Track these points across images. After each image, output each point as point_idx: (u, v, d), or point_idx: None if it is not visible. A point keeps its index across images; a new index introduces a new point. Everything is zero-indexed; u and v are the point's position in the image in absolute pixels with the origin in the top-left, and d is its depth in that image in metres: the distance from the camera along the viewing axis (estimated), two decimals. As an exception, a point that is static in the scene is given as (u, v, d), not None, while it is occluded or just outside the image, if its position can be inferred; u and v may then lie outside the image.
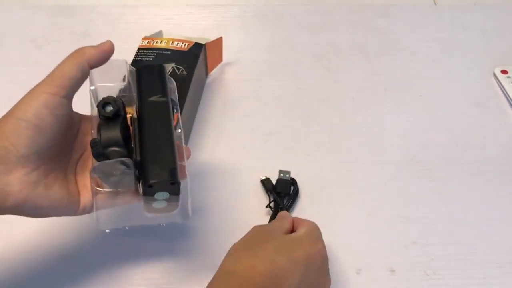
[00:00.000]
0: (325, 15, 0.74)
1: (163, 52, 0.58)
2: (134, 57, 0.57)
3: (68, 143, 0.39)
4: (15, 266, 0.45)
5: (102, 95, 0.39)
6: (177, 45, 0.59)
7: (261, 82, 0.64)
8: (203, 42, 0.59)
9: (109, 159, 0.36)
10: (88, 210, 0.38)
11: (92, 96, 0.40)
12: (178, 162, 0.37)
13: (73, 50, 0.38)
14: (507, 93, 0.62)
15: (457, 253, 0.47)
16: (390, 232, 0.49)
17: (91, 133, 0.39)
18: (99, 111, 0.38)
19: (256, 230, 0.42)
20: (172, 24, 0.71)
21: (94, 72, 0.39)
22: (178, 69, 0.56)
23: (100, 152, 0.36)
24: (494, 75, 0.65)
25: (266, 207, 0.50)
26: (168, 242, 0.47)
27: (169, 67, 0.56)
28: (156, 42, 0.59)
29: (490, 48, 0.69)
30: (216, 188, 0.52)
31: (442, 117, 0.60)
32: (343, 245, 0.48)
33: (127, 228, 0.41)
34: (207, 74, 0.64)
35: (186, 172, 0.38)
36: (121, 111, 0.38)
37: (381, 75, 0.65)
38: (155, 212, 0.38)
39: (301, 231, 0.42)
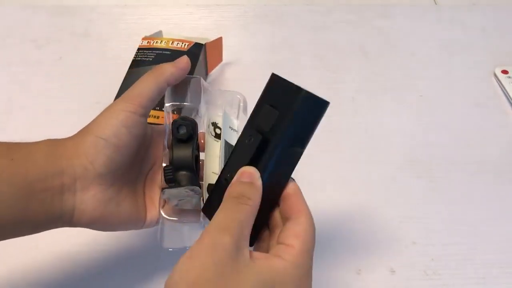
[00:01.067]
0: (325, 15, 0.74)
1: (163, 52, 0.58)
2: (134, 57, 0.57)
3: (140, 157, 0.39)
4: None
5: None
6: (177, 45, 0.59)
7: (261, 82, 0.64)
8: (203, 42, 0.59)
9: (179, 182, 0.37)
10: (153, 224, 0.39)
11: (166, 110, 0.40)
12: None
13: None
14: (507, 93, 0.62)
15: (457, 253, 0.47)
16: (390, 232, 0.49)
17: (162, 146, 0.40)
18: (172, 132, 0.38)
19: (216, 257, 0.27)
20: (172, 24, 0.71)
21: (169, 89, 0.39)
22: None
23: (173, 178, 0.37)
24: (495, 75, 0.65)
25: None
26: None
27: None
28: (156, 42, 0.59)
29: (490, 48, 0.69)
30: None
31: (442, 117, 0.60)
32: (343, 245, 0.48)
33: (187, 247, 0.40)
34: (207, 74, 0.64)
35: None
36: (194, 133, 0.38)
37: (381, 75, 0.65)
38: None
39: (287, 257, 0.30)
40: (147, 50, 0.58)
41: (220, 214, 0.30)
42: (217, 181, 0.36)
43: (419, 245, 0.48)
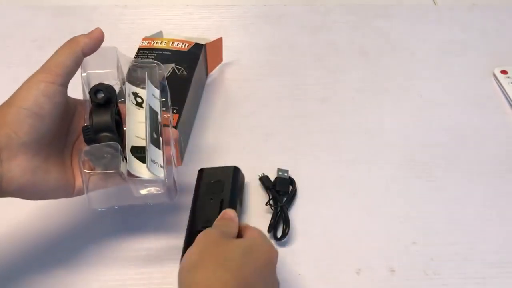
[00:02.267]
0: (325, 15, 0.74)
1: (163, 52, 0.58)
2: (135, 57, 0.57)
3: (64, 127, 0.41)
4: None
5: (93, 81, 0.41)
6: (177, 45, 0.59)
7: (261, 82, 0.64)
8: (203, 43, 0.60)
9: (99, 142, 0.38)
10: (82, 192, 0.40)
11: (84, 82, 0.42)
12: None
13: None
14: (506, 93, 0.62)
15: (457, 253, 0.47)
16: (390, 232, 0.49)
17: (85, 117, 0.41)
18: (91, 98, 0.39)
19: (209, 238, 0.38)
20: (172, 24, 0.71)
21: (86, 59, 0.41)
22: (178, 69, 0.56)
23: (92, 138, 0.38)
24: (494, 75, 0.65)
25: (266, 204, 0.50)
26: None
27: (169, 67, 0.56)
28: (156, 42, 0.59)
29: (490, 48, 0.69)
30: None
31: (442, 117, 0.60)
32: (343, 245, 0.48)
33: (116, 207, 0.43)
34: (207, 74, 0.64)
35: (172, 156, 0.42)
36: (112, 98, 0.40)
37: (381, 75, 0.65)
38: (143, 194, 0.40)
39: (253, 235, 0.40)
40: (147, 51, 0.58)
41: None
42: (191, 230, 0.45)
43: (419, 245, 0.48)
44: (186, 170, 0.53)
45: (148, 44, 0.59)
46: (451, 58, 0.68)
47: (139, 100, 0.43)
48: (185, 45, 0.59)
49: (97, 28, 0.41)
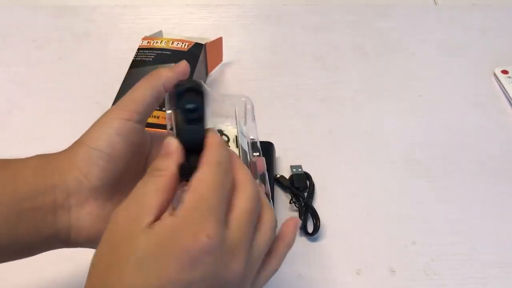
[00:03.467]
0: (325, 15, 0.74)
1: (163, 52, 0.58)
2: (134, 57, 0.57)
3: (141, 165, 0.37)
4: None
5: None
6: (177, 45, 0.59)
7: (261, 82, 0.64)
8: (203, 42, 0.60)
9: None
10: None
11: (168, 119, 0.37)
12: None
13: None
14: (507, 93, 0.62)
15: (457, 253, 0.47)
16: (390, 232, 0.49)
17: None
18: (178, 111, 0.33)
19: (111, 232, 0.28)
20: (172, 24, 0.71)
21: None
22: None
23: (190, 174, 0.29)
24: (495, 75, 0.65)
25: (290, 202, 0.50)
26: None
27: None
28: (156, 42, 0.59)
29: (490, 48, 0.69)
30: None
31: (442, 117, 0.60)
32: (343, 245, 0.48)
33: None
34: (207, 74, 0.64)
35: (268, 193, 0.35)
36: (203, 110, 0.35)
37: (381, 75, 0.65)
38: None
39: (180, 211, 0.27)
40: (147, 50, 0.58)
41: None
42: None
43: (419, 245, 0.48)
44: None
45: (148, 44, 0.59)
46: (452, 58, 0.68)
47: (224, 138, 0.39)
48: (185, 45, 0.59)
49: (183, 61, 0.37)
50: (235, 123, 0.40)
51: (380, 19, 0.73)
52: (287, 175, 0.52)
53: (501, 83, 0.63)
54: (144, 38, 0.60)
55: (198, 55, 0.58)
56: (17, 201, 0.31)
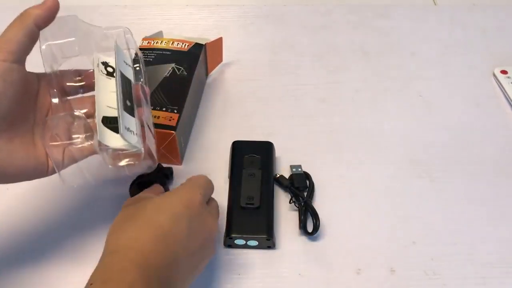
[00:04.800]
0: (325, 15, 0.74)
1: (163, 52, 0.58)
2: (135, 57, 0.57)
3: (29, 105, 0.39)
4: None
5: (56, 53, 0.40)
6: (177, 45, 0.59)
7: (261, 82, 0.64)
8: (203, 42, 0.60)
9: None
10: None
11: (43, 55, 0.40)
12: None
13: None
14: (506, 93, 0.62)
15: (457, 253, 0.47)
16: (390, 232, 0.49)
17: (50, 92, 0.40)
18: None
19: (129, 202, 0.40)
20: (172, 24, 0.71)
21: (44, 31, 0.39)
22: (178, 69, 0.56)
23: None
24: (494, 75, 0.65)
25: (290, 202, 0.50)
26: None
27: (169, 67, 0.56)
28: (156, 42, 0.59)
29: (490, 48, 0.69)
30: (217, 188, 0.52)
31: (442, 117, 0.60)
32: (343, 245, 0.48)
33: (93, 183, 0.41)
34: (207, 74, 0.64)
35: (147, 120, 0.41)
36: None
37: (381, 75, 0.65)
38: (118, 166, 0.39)
39: (182, 185, 0.41)
40: (147, 51, 0.58)
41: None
42: (234, 205, 0.48)
43: (419, 245, 0.48)
44: (186, 169, 0.53)
45: (148, 44, 0.59)
46: (451, 58, 0.68)
47: (110, 69, 0.41)
48: (185, 45, 0.59)
49: None
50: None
51: (380, 19, 0.73)
52: (287, 175, 0.52)
53: (501, 83, 0.63)
54: (145, 39, 0.60)
55: (198, 55, 0.58)
56: None
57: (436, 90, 0.63)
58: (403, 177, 0.54)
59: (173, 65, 0.56)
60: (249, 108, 0.61)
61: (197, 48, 0.59)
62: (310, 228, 0.48)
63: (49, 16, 0.38)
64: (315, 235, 0.47)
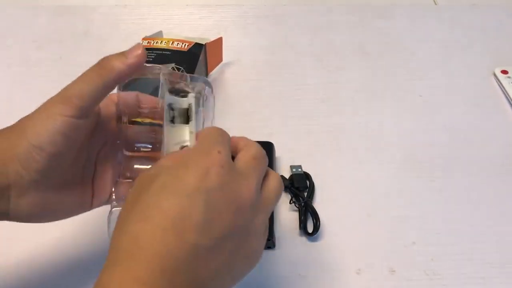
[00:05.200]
0: (325, 15, 0.74)
1: (163, 52, 0.58)
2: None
3: (84, 147, 0.36)
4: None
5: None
6: (177, 45, 0.59)
7: (261, 82, 0.64)
8: (203, 42, 0.60)
9: None
10: (102, 204, 0.37)
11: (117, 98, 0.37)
12: None
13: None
14: (507, 93, 0.62)
15: (457, 253, 0.47)
16: (390, 232, 0.49)
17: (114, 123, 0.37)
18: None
19: (141, 175, 0.32)
20: (172, 24, 0.71)
21: None
22: (178, 69, 0.56)
23: None
24: (494, 75, 0.65)
25: (290, 202, 0.50)
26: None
27: (169, 67, 0.56)
28: (156, 42, 0.59)
29: (490, 48, 0.69)
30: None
31: (442, 117, 0.60)
32: (343, 245, 0.48)
33: None
34: (207, 74, 0.64)
35: None
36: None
37: (381, 75, 0.65)
38: None
39: (191, 148, 0.33)
40: (147, 51, 0.57)
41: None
42: None
43: (419, 245, 0.48)
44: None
45: (148, 44, 0.59)
46: (452, 58, 0.68)
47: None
48: (185, 45, 0.59)
49: (138, 45, 0.34)
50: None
51: (380, 19, 0.73)
52: (287, 175, 0.52)
53: (501, 83, 0.63)
54: (144, 39, 0.60)
55: (198, 55, 0.58)
56: None
57: (436, 90, 0.63)
58: (403, 177, 0.54)
59: (173, 65, 0.56)
60: (249, 108, 0.61)
61: (197, 48, 0.59)
62: (310, 229, 0.48)
63: (133, 72, 0.34)
64: (315, 235, 0.47)
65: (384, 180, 0.53)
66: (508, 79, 0.64)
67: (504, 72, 0.65)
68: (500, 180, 0.54)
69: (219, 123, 0.58)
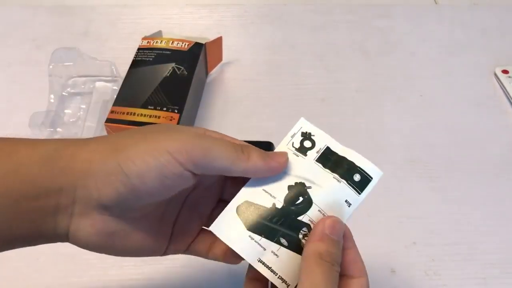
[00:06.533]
0: (325, 15, 0.74)
1: (163, 52, 0.58)
2: (134, 57, 0.57)
3: (167, 200, 0.32)
4: None
5: None
6: (177, 45, 0.59)
7: (261, 82, 0.64)
8: (203, 42, 0.59)
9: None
10: (179, 253, 0.33)
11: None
12: None
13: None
14: (508, 93, 0.62)
15: (457, 253, 0.47)
16: (390, 232, 0.49)
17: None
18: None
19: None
20: (172, 24, 0.71)
21: None
22: (179, 69, 0.56)
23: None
24: (495, 75, 0.65)
25: None
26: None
27: (169, 67, 0.56)
28: (156, 42, 0.59)
29: (490, 48, 0.69)
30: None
31: (442, 117, 0.60)
32: (343, 245, 0.47)
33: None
34: (207, 73, 0.64)
35: None
36: None
37: (381, 75, 0.65)
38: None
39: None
40: (147, 50, 0.58)
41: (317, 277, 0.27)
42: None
43: (419, 245, 0.48)
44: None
45: (148, 44, 0.59)
46: (452, 58, 0.68)
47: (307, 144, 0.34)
48: (185, 44, 0.59)
49: (283, 156, 0.32)
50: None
51: (380, 19, 0.73)
52: (287, 175, 0.52)
53: (502, 83, 0.63)
54: (144, 38, 0.60)
55: (198, 54, 0.58)
56: (14, 200, 0.28)
57: (436, 90, 0.63)
58: (403, 177, 0.54)
59: (173, 64, 0.56)
60: (249, 108, 0.60)
61: (197, 48, 0.59)
62: (310, 228, 0.48)
63: (264, 175, 0.31)
64: None
65: (385, 180, 0.53)
66: (509, 78, 0.64)
67: (505, 71, 0.65)
68: (500, 180, 0.54)
69: (219, 123, 0.59)
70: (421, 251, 0.47)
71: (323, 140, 0.35)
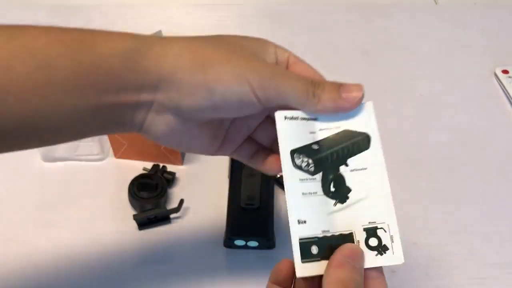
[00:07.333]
0: (325, 15, 0.74)
1: (163, 52, 0.57)
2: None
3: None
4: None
5: None
6: (177, 45, 0.58)
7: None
8: (203, 42, 0.59)
9: None
10: (226, 154, 0.37)
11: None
12: None
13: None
14: (508, 93, 0.62)
15: (457, 253, 0.47)
16: (390, 232, 0.49)
17: None
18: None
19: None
20: (172, 23, 0.71)
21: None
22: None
23: None
24: (495, 75, 0.65)
25: None
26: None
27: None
28: (156, 42, 0.59)
29: (490, 48, 0.69)
30: (217, 188, 0.52)
31: (443, 117, 0.60)
32: (343, 245, 0.47)
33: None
34: (207, 74, 0.64)
35: None
36: None
37: (381, 75, 0.65)
38: None
39: None
40: (147, 50, 0.58)
41: None
42: (234, 205, 0.45)
43: (419, 245, 0.48)
44: (187, 169, 0.53)
45: (148, 44, 0.58)
46: (452, 58, 0.68)
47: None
48: (185, 44, 0.58)
49: (358, 89, 0.34)
50: None
51: (380, 18, 0.73)
52: (287, 175, 0.52)
53: (502, 83, 0.63)
54: (144, 38, 0.60)
55: (198, 55, 0.58)
56: (98, 94, 0.29)
57: (437, 89, 0.63)
58: (403, 177, 0.54)
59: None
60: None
61: (197, 48, 0.58)
62: (310, 228, 0.48)
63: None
64: None
65: (384, 180, 0.53)
66: (509, 78, 0.64)
67: (505, 71, 0.65)
68: (500, 180, 0.54)
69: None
70: (421, 252, 0.47)
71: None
